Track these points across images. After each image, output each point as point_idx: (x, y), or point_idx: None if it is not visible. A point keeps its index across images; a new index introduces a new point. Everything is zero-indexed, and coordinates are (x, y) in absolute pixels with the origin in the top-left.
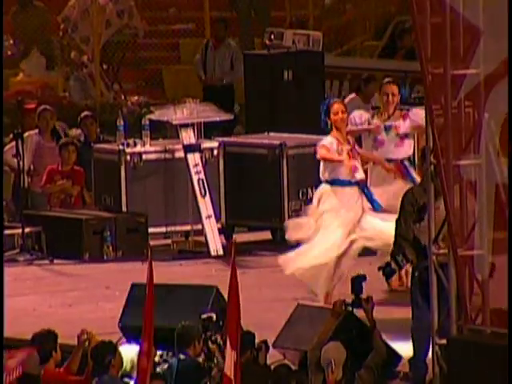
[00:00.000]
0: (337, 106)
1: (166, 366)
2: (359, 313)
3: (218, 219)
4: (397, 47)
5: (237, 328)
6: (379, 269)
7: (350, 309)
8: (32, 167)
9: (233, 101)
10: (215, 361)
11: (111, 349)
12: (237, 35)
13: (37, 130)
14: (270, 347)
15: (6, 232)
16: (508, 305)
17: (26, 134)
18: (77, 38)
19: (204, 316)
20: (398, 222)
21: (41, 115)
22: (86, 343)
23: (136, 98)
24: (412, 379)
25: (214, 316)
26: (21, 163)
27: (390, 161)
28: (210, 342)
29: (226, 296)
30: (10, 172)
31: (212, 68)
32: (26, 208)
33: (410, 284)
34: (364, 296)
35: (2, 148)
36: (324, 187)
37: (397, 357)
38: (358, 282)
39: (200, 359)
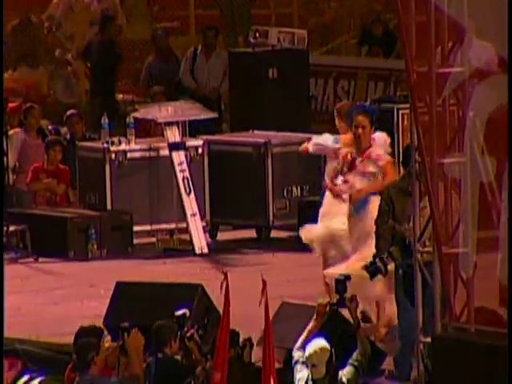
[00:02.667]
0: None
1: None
2: (344, 312)
3: (202, 217)
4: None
5: (224, 353)
6: (364, 268)
7: (335, 308)
8: (17, 165)
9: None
10: (193, 357)
11: (94, 346)
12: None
13: (22, 128)
14: (255, 345)
15: None
16: (508, 304)
17: (11, 132)
18: (61, 36)
19: (178, 313)
20: (376, 222)
21: (27, 113)
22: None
23: (121, 96)
24: (397, 377)
25: (188, 312)
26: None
27: None
28: (186, 340)
29: (210, 294)
30: None
31: (205, 78)
32: (10, 206)
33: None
34: (348, 295)
35: (1, 147)
36: None
37: (381, 354)
38: (341, 281)
39: (179, 357)
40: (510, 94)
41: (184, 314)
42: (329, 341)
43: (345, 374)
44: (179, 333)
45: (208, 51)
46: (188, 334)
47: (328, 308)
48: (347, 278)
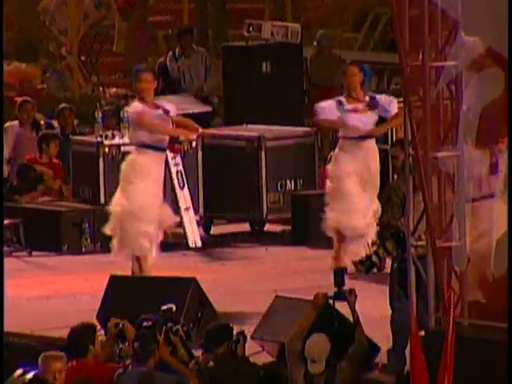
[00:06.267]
0: (352, 68)
1: None
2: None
3: (196, 211)
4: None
5: None
6: (360, 262)
7: (332, 301)
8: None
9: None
10: (178, 353)
11: (90, 334)
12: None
13: (17, 121)
14: (248, 338)
15: None
16: (508, 303)
17: (6, 125)
18: (55, 30)
19: (164, 307)
20: (384, 212)
21: (21, 107)
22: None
23: (114, 89)
24: (391, 370)
25: (174, 307)
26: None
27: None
28: (171, 334)
29: (204, 288)
30: None
31: (188, 78)
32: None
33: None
34: (346, 288)
35: (1, 147)
36: None
37: (375, 348)
38: (339, 274)
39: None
40: (510, 93)
41: (170, 309)
42: (326, 336)
43: (342, 368)
44: (164, 327)
45: (186, 52)
46: (174, 329)
47: (326, 300)
48: (345, 269)
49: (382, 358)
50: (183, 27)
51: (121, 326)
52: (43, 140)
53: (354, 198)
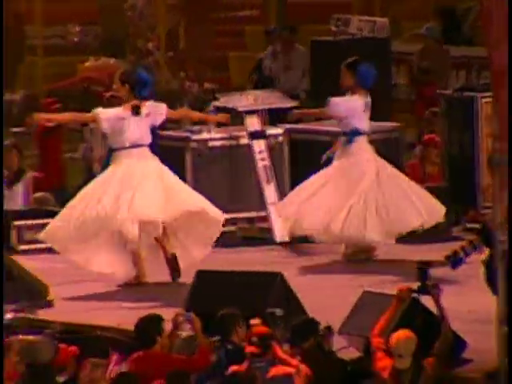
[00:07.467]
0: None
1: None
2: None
3: None
4: (461, 32)
5: None
6: (446, 257)
7: (417, 295)
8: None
9: None
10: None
11: (157, 324)
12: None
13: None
14: (335, 334)
15: None
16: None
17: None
18: (143, 26)
19: (270, 310)
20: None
21: (108, 102)
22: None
23: (202, 84)
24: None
25: (280, 312)
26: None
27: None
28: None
29: (290, 283)
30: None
31: (283, 76)
32: None
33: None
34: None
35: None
36: None
37: (462, 343)
38: (423, 268)
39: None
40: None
41: (273, 313)
42: (411, 330)
43: (428, 363)
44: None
45: (286, 49)
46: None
47: (410, 294)
48: (429, 264)
49: (468, 353)
50: (283, 24)
51: (185, 318)
52: None
53: None
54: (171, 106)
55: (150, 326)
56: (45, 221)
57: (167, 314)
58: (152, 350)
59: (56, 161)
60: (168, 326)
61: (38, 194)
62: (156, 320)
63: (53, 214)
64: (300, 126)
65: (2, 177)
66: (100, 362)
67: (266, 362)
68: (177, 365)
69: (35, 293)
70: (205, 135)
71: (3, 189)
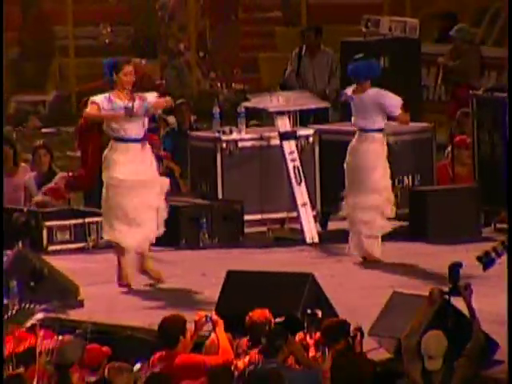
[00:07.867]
0: None
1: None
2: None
3: (313, 207)
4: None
5: None
6: (478, 258)
7: (447, 297)
8: None
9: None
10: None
11: (180, 325)
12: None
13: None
14: (365, 335)
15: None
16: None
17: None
18: (174, 27)
19: (309, 311)
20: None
21: (177, 109)
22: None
23: (232, 85)
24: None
25: (320, 314)
26: None
27: None
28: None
29: (321, 284)
30: None
31: (310, 79)
32: None
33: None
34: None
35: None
36: None
37: (494, 344)
38: (455, 269)
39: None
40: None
41: (315, 314)
42: (442, 332)
43: (460, 365)
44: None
45: (312, 51)
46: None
47: (441, 296)
48: (460, 265)
49: (501, 354)
50: (310, 25)
51: (207, 318)
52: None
53: None
54: (204, 107)
55: (173, 327)
56: (75, 221)
57: (190, 315)
58: (175, 350)
59: (97, 160)
60: (191, 327)
61: (39, 198)
62: (179, 320)
63: (83, 215)
64: (330, 126)
65: (1, 177)
66: (125, 366)
67: (277, 364)
68: (200, 364)
69: (66, 293)
70: (235, 136)
71: (10, 188)
